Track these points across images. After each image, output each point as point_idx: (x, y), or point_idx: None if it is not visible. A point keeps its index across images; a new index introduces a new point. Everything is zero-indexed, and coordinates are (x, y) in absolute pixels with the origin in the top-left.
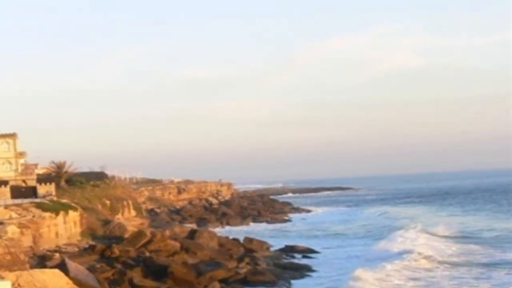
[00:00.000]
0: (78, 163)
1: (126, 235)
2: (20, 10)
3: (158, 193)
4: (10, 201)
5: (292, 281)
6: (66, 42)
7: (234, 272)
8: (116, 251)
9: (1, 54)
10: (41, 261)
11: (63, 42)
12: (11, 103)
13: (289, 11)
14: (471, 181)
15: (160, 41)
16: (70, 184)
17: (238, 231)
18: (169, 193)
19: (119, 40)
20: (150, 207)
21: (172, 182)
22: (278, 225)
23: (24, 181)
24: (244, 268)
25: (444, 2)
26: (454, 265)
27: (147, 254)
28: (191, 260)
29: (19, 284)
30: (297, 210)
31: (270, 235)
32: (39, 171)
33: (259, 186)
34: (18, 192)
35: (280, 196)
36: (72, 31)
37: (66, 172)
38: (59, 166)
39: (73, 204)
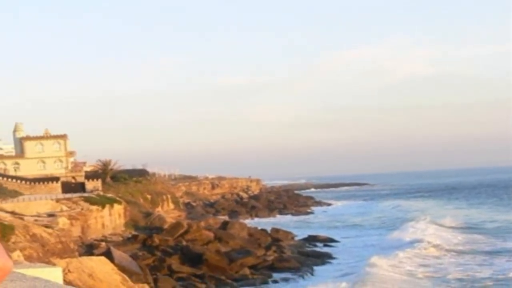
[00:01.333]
0: (122, 161)
1: (165, 226)
2: (74, 26)
3: (194, 188)
4: (61, 196)
5: (315, 267)
6: (113, 53)
7: (262, 259)
8: (156, 240)
9: (56, 64)
10: (88, 249)
11: (111, 53)
12: (63, 107)
13: (312, 25)
14: (475, 177)
15: (196, 52)
16: (115, 180)
17: (265, 223)
18: (204, 188)
19: (159, 51)
20: (187, 201)
21: (206, 178)
22: (301, 217)
23: (73, 177)
24: (271, 256)
25: (451, 16)
26: (460, 253)
27: (184, 243)
28: (223, 249)
29: (69, 270)
30: (319, 203)
31: (295, 226)
32: (87, 168)
33: (285, 182)
34: (68, 187)
35: (303, 191)
36: (119, 43)
37: (111, 169)
38: (105, 164)
39: (117, 198)
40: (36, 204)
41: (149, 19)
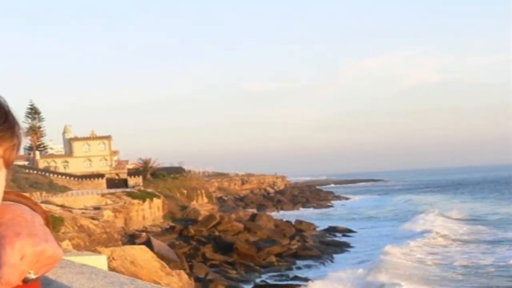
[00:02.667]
0: (161, 160)
1: (200, 218)
2: (118, 39)
3: (225, 184)
4: (106, 191)
5: (334, 255)
6: (152, 62)
7: (287, 248)
8: (192, 231)
9: (102, 72)
10: (130, 239)
11: (151, 62)
12: (108, 111)
13: (332, 37)
14: (479, 174)
15: (227, 61)
16: (154, 177)
17: (290, 215)
18: (235, 184)
19: (193, 60)
20: (219, 195)
21: (237, 175)
22: (322, 210)
23: (117, 174)
24: (295, 245)
25: (456, 29)
26: (465, 242)
27: (217, 233)
28: (252, 238)
29: (113, 258)
30: (338, 197)
31: (316, 218)
32: (129, 166)
33: (307, 178)
34: (112, 183)
35: (324, 186)
36: (158, 54)
37: (151, 167)
38: (146, 162)
39: (156, 193)
40: (84, 198)
41: (185, 32)
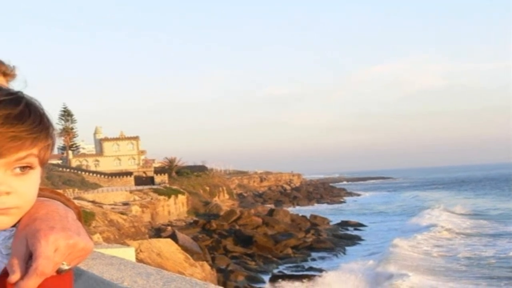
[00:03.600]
0: (185, 159)
1: (221, 213)
2: (146, 45)
3: (245, 181)
4: (134, 188)
5: (346, 248)
6: (177, 68)
7: (303, 241)
8: (214, 225)
9: (130, 76)
10: (157, 232)
11: (175, 67)
12: (136, 113)
13: (344, 45)
14: (481, 172)
15: (247, 67)
16: (179, 175)
17: (305, 210)
18: (254, 181)
19: (215, 66)
20: (239, 192)
21: (256, 173)
22: (335, 206)
23: (144, 172)
24: (310, 238)
25: (460, 37)
26: (468, 235)
27: (237, 227)
28: (270, 232)
29: (140, 250)
30: (350, 194)
31: (330, 213)
32: (156, 164)
33: (321, 176)
34: (140, 180)
35: (337, 183)
36: (182, 59)
37: (176, 165)
38: (171, 161)
39: (181, 190)
40: (113, 195)
41: (208, 40)
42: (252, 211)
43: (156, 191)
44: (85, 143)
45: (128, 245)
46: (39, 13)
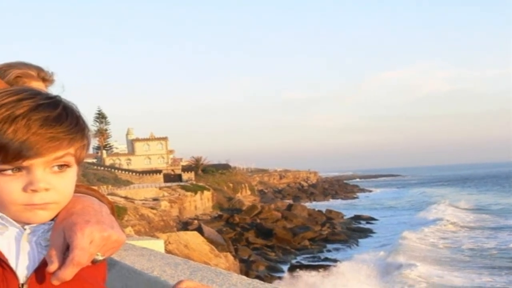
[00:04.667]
0: (210, 158)
1: (244, 208)
2: (175, 52)
3: (265, 179)
4: (163, 184)
5: (359, 240)
6: (203, 73)
7: (319, 234)
8: (237, 219)
9: (160, 81)
10: (184, 225)
11: (201, 73)
12: (165, 116)
13: (358, 53)
14: (483, 170)
15: (268, 73)
16: (205, 172)
17: (321, 205)
18: (274, 179)
19: (239, 73)
20: (260, 188)
21: (275, 171)
22: (349, 201)
23: (172, 170)
24: (325, 231)
25: (464, 46)
26: (471, 228)
27: (258, 221)
28: (288, 225)
29: (169, 242)
30: (363, 190)
31: (344, 207)
32: (183, 163)
33: (336, 174)
34: (168, 178)
35: (350, 180)
36: (208, 65)
37: (202, 164)
38: (197, 160)
39: (207, 186)
40: (144, 191)
41: (232, 48)
42: (272, 206)
43: (183, 187)
44: (118, 143)
45: (157, 238)
46: (78, 25)
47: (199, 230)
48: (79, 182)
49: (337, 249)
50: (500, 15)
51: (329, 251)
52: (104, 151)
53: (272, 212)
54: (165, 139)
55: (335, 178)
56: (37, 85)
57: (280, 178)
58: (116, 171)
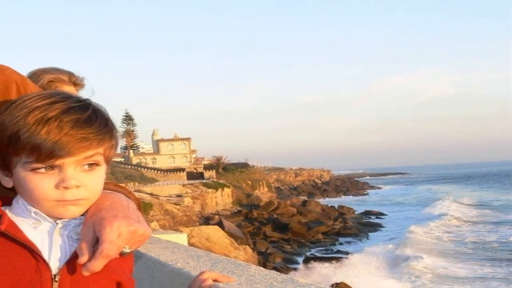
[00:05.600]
0: (230, 157)
1: (261, 204)
2: (195, 58)
3: (282, 176)
4: (186, 182)
5: (369, 234)
6: (224, 78)
7: (331, 228)
8: (255, 214)
9: (182, 85)
10: (206, 220)
11: (222, 77)
12: (188, 118)
13: (368, 58)
14: (485, 168)
15: (284, 78)
16: (225, 171)
17: (334, 201)
18: (289, 176)
19: (257, 77)
20: (277, 185)
21: (291, 169)
22: (360, 197)
23: (195, 168)
24: (338, 225)
25: (467, 52)
26: (474, 223)
27: (275, 216)
28: (303, 220)
29: (192, 235)
30: (372, 187)
31: (355, 203)
32: (205, 162)
33: (348, 172)
34: (191, 175)
35: (361, 178)
36: (228, 70)
37: (222, 162)
38: (218, 159)
39: (227, 184)
40: (168, 188)
41: (251, 54)
42: (288, 202)
43: (205, 184)
44: (144, 143)
45: (181, 231)
46: (107, 34)
47: (220, 224)
48: (108, 180)
49: (348, 242)
50: (501, 24)
51: (341, 244)
52: (131, 151)
53: (288, 208)
54: (188, 139)
55: (346, 176)
56: (69, 89)
57: (296, 176)
58: (142, 169)
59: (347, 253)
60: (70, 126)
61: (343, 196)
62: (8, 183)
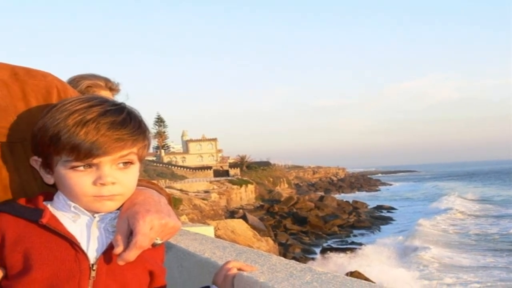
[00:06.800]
0: (254, 156)
1: (282, 199)
2: (218, 64)
3: (301, 174)
4: (213, 179)
5: (381, 226)
6: (246, 83)
7: (346, 221)
8: (276, 208)
9: (209, 90)
10: (231, 214)
11: (246, 83)
12: (215, 119)
13: (379, 65)
14: (488, 166)
15: (302, 83)
16: (249, 169)
17: (348, 197)
18: (307, 174)
19: (278, 83)
20: (296, 182)
21: (309, 167)
22: (372, 193)
23: (221, 166)
24: (352, 219)
25: (471, 60)
26: (477, 216)
27: (294, 210)
28: (320, 214)
29: (218, 228)
30: (384, 184)
31: (368, 199)
32: (230, 160)
33: (361, 170)
34: (218, 173)
35: (373, 175)
36: (250, 77)
37: (246, 161)
38: (242, 158)
39: (250, 180)
40: (196, 184)
41: (270, 62)
42: (306, 197)
43: (230, 181)
44: (174, 143)
45: (208, 224)
46: (141, 42)
47: (244, 218)
48: (141, 177)
49: (362, 234)
50: (502, 34)
51: (355, 236)
52: (162, 150)
53: (306, 203)
54: (214, 140)
55: (360, 174)
56: (105, 94)
57: (313, 174)
58: (173, 167)
59: (360, 244)
60: (106, 128)
61: (357, 192)
62: (49, 180)
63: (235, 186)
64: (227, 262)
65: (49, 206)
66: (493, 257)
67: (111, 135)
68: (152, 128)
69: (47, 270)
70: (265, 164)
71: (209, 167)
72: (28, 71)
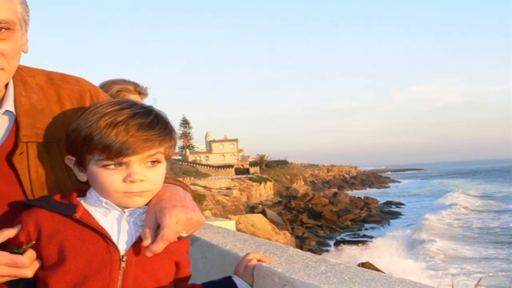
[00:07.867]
0: (272, 155)
1: (298, 195)
2: (238, 71)
3: (316, 172)
4: (234, 176)
5: (390, 220)
6: (265, 87)
7: (358, 215)
8: (293, 204)
9: (230, 94)
10: (251, 209)
11: (265, 88)
12: (236, 121)
13: (388, 70)
14: (489, 165)
15: (316, 88)
16: (267, 167)
17: (360, 193)
18: (322, 172)
19: (294, 87)
20: (311, 179)
21: (324, 165)
22: (382, 190)
23: (242, 165)
24: (363, 213)
25: (474, 66)
26: (480, 211)
27: (310, 205)
28: (334, 209)
29: (239, 222)
30: (393, 181)
31: (378, 195)
32: (250, 159)
33: (372, 168)
34: (239, 171)
35: (383, 173)
36: (269, 82)
37: (265, 160)
38: (261, 157)
39: (269, 178)
40: (219, 182)
41: (287, 68)
42: (321, 193)
43: (250, 179)
44: (198, 144)
45: (230, 219)
46: (168, 49)
47: (263, 213)
48: (168, 175)
49: (372, 228)
50: (503, 42)
51: (366, 229)
52: (187, 150)
53: (321, 199)
54: (236, 140)
55: (371, 172)
56: (134, 97)
57: (328, 171)
58: (197, 166)
59: (371, 237)
60: (135, 129)
61: (368, 189)
62: (82, 177)
63: (255, 183)
64: (247, 254)
65: (82, 201)
66: (494, 249)
67: (140, 136)
68: (178, 129)
69: (80, 261)
70: (283, 163)
71: (231, 166)
72: (63, 77)
